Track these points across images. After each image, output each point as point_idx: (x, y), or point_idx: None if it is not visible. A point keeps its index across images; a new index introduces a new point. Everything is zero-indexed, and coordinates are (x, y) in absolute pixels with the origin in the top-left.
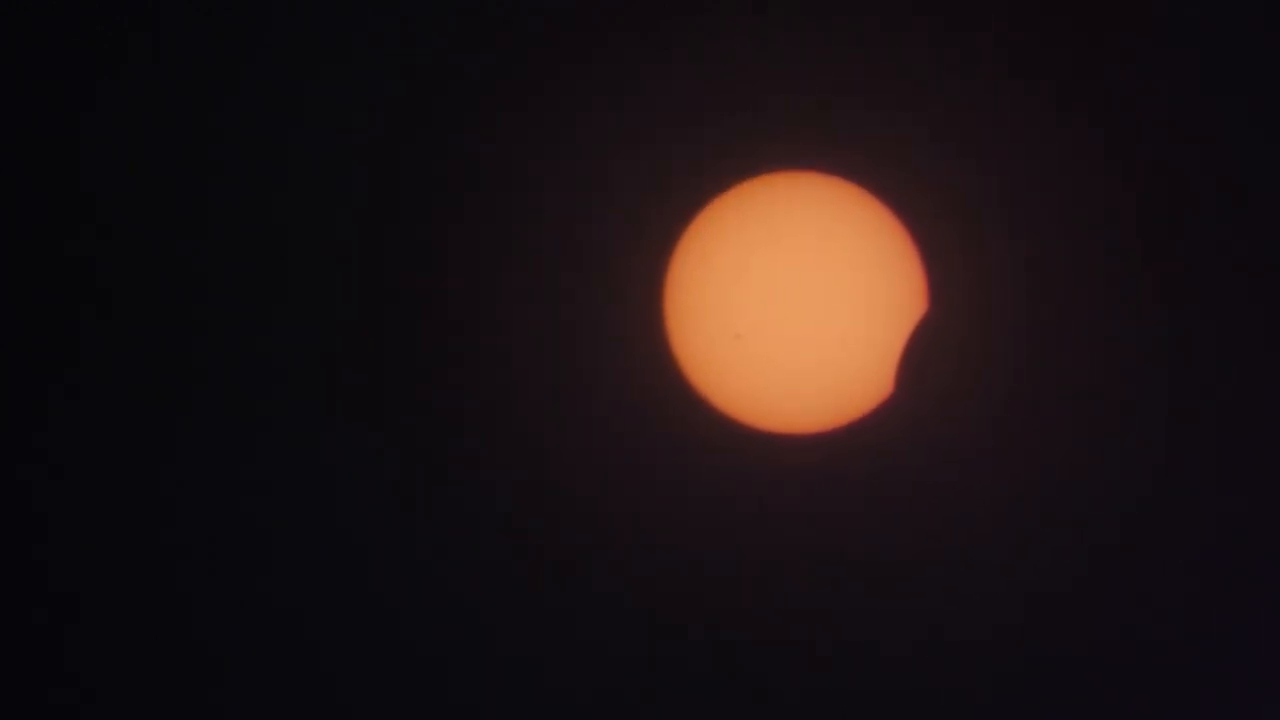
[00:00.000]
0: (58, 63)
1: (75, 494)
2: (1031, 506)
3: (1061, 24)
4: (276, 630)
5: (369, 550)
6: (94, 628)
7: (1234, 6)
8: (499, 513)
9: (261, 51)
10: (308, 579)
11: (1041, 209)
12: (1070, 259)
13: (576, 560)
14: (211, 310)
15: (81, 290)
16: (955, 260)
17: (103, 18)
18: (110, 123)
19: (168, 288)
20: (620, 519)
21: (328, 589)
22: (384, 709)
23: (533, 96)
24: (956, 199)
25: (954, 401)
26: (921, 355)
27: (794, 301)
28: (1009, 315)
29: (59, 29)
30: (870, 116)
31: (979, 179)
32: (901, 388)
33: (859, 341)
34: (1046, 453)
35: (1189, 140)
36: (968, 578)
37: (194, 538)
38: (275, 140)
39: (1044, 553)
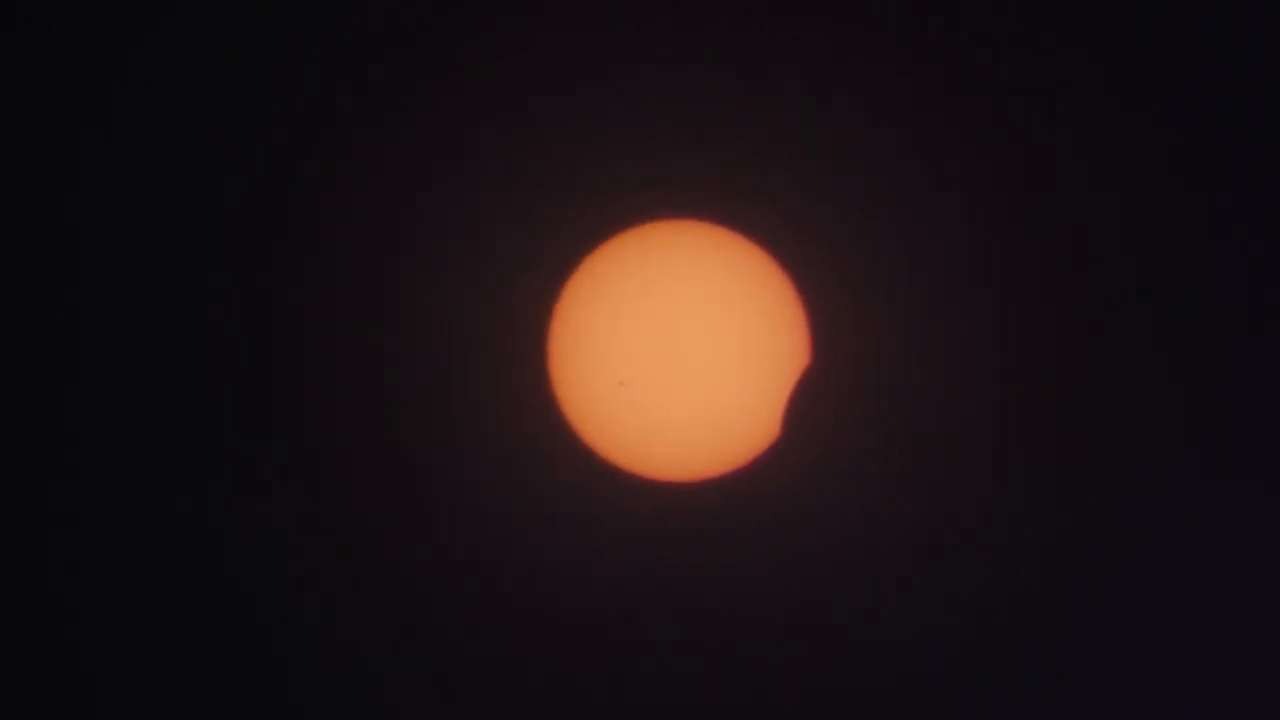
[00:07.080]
0: None
1: None
2: (919, 549)
3: (944, 74)
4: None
5: (247, 589)
6: None
7: (1120, 54)
8: (381, 561)
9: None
10: (185, 616)
11: (925, 257)
12: (953, 304)
13: (458, 610)
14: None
15: None
16: (839, 307)
17: None
18: None
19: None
20: (503, 567)
21: (204, 627)
22: None
23: (410, 142)
24: (839, 247)
25: (838, 447)
26: (806, 402)
27: (677, 349)
28: (893, 361)
29: None
30: (754, 165)
31: (862, 227)
32: (786, 434)
33: (743, 388)
34: (932, 495)
35: (1074, 188)
36: (854, 623)
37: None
38: (140, 157)
39: (936, 593)
